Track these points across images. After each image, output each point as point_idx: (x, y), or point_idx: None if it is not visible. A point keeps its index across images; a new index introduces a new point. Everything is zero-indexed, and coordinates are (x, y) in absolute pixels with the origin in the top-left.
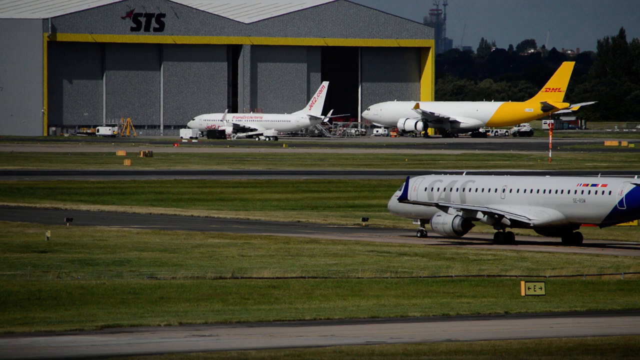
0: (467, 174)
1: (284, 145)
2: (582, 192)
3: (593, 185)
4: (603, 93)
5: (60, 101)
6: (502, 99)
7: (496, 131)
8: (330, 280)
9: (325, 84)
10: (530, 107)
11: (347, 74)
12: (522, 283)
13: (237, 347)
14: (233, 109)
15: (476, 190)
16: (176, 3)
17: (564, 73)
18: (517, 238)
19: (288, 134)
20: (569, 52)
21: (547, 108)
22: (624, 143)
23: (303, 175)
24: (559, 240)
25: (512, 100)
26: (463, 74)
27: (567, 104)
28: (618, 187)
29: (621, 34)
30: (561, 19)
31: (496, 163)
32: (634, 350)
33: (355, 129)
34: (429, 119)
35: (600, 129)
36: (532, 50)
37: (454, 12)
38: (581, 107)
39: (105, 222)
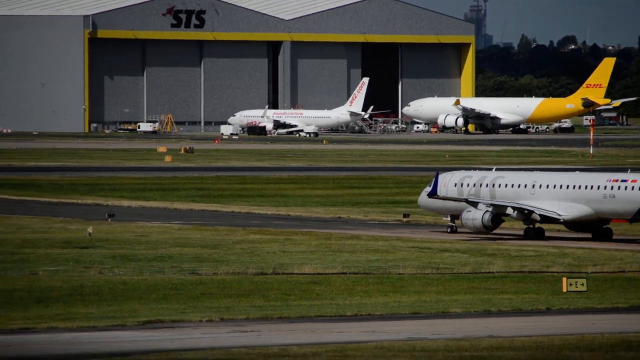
0: (497, 169)
1: (324, 141)
2: (612, 187)
3: (623, 180)
4: None
5: (101, 97)
6: (543, 95)
7: (537, 127)
8: (371, 276)
9: (366, 80)
10: (571, 103)
11: (387, 70)
12: (564, 279)
13: (278, 343)
14: (273, 105)
15: (506, 186)
16: (216, 0)
17: (605, 69)
18: (547, 234)
19: (328, 130)
20: (610, 48)
21: (588, 104)
22: None
23: (344, 172)
24: (589, 235)
25: (553, 96)
26: (503, 70)
27: (608, 100)
28: None
29: None
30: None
31: (537, 159)
32: None
33: (396, 125)
34: (469, 115)
35: None
36: (573, 46)
37: (495, 8)
38: (622, 103)
39: (146, 218)
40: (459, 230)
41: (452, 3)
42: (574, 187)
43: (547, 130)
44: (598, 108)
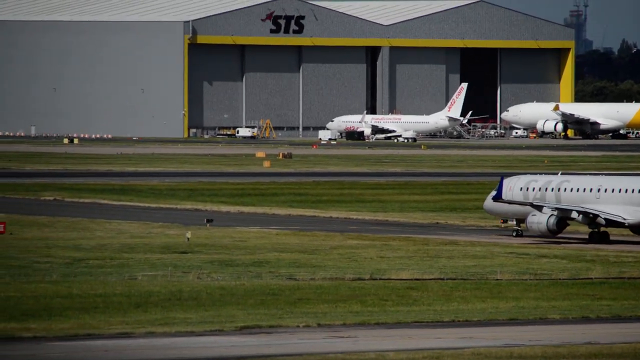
0: (563, 174)
1: (422, 146)
2: None
3: None
4: None
5: (200, 103)
6: None
7: (637, 133)
8: (468, 282)
9: (464, 85)
10: None
11: (485, 75)
12: None
13: (375, 349)
14: (371, 110)
15: (571, 190)
16: (315, 5)
17: None
18: (612, 237)
19: (426, 135)
20: None
21: None
22: None
23: (442, 177)
24: None
25: None
26: (603, 75)
27: None
28: None
29: None
30: None
31: (637, 165)
32: None
33: (494, 131)
34: (568, 120)
35: None
36: None
37: (595, 12)
38: None
39: (244, 223)
40: (524, 234)
41: (552, 8)
42: (639, 191)
43: None
44: None
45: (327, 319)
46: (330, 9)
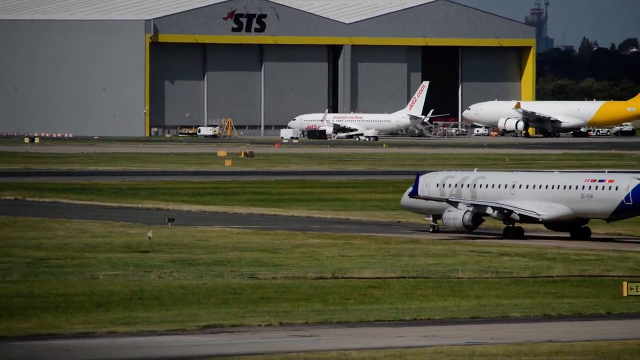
0: (478, 170)
1: (384, 145)
2: (590, 187)
3: (600, 180)
4: None
5: (162, 102)
6: (604, 99)
7: (598, 131)
8: (430, 281)
9: (426, 83)
10: (633, 106)
11: (447, 73)
12: (625, 283)
13: (337, 348)
14: (333, 109)
15: (486, 186)
16: (277, 4)
17: None
18: (526, 233)
19: (388, 133)
20: None
21: None
22: None
23: (404, 175)
24: (568, 235)
25: (614, 99)
26: (564, 73)
27: None
28: (624, 183)
29: None
30: None
31: (598, 163)
32: None
33: (456, 129)
34: (529, 118)
35: None
36: (635, 49)
37: (556, 11)
38: None
39: (206, 222)
40: (440, 229)
41: (513, 6)
42: (553, 187)
43: (608, 133)
44: None
45: (289, 317)
46: (291, 7)
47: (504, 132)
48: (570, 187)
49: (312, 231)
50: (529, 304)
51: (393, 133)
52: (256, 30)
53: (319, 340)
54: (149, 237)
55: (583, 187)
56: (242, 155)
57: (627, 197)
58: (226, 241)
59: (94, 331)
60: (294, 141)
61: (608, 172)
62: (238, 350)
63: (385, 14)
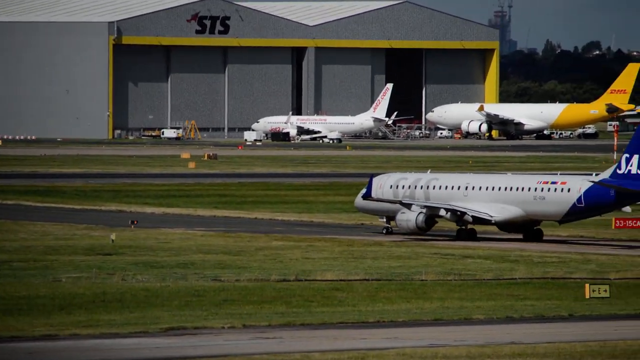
0: (432, 172)
1: (347, 147)
2: (542, 189)
3: (553, 183)
4: None
5: (125, 104)
6: (567, 101)
7: (561, 133)
8: (393, 283)
9: (390, 86)
10: (595, 109)
11: (411, 76)
12: (587, 285)
13: (300, 350)
14: (297, 111)
15: (440, 187)
16: (241, 6)
17: (629, 74)
18: (480, 234)
19: (352, 136)
20: (635, 53)
21: (612, 110)
22: None
23: (367, 178)
24: (520, 236)
25: (577, 102)
26: (528, 76)
27: (632, 106)
28: (576, 185)
29: None
30: (627, 20)
31: (561, 165)
32: None
33: (419, 131)
34: (493, 121)
35: None
36: (598, 52)
37: (519, 13)
38: None
39: (169, 225)
40: (394, 231)
41: (476, 9)
42: (506, 189)
43: (571, 136)
44: (622, 114)
45: (253, 320)
46: (255, 10)
47: (468, 135)
48: (522, 189)
49: (276, 233)
50: (491, 306)
51: (357, 135)
52: (220, 32)
53: (282, 342)
54: (112, 240)
55: (535, 189)
56: (206, 158)
57: (579, 200)
58: (189, 243)
59: (56, 334)
60: (258, 143)
61: (560, 174)
62: (201, 352)
63: (349, 16)
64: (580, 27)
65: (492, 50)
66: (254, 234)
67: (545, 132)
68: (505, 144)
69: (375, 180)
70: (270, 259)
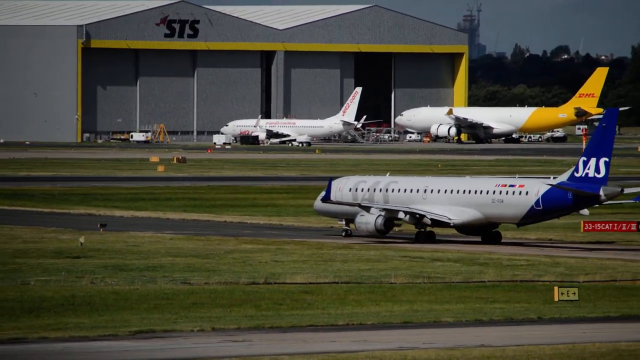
0: (390, 175)
1: (317, 151)
2: (501, 192)
3: (511, 185)
4: (637, 98)
5: (94, 107)
6: (536, 105)
7: (529, 137)
8: (363, 286)
9: (359, 89)
10: (564, 112)
11: (380, 79)
12: (555, 288)
13: (270, 353)
14: (266, 115)
15: (399, 190)
16: (210, 9)
17: (597, 78)
18: (439, 237)
19: (321, 139)
20: (603, 57)
21: (580, 113)
22: None
23: None
24: (479, 239)
25: (546, 105)
26: (496, 80)
27: (600, 110)
28: (534, 188)
29: None
30: (595, 25)
31: (529, 169)
32: None
33: (389, 135)
34: (462, 124)
35: (634, 134)
36: (566, 56)
37: (488, 17)
38: None
39: (138, 228)
40: (353, 234)
41: (446, 13)
42: (464, 192)
43: (540, 139)
44: (591, 117)
45: (222, 323)
46: (224, 14)
47: (437, 138)
48: (481, 191)
49: (245, 236)
50: (461, 309)
51: (326, 139)
52: (189, 36)
53: (252, 345)
54: (81, 243)
55: (494, 192)
56: (175, 161)
57: (537, 202)
58: (158, 247)
59: (25, 337)
60: (227, 147)
61: (519, 177)
62: (170, 355)
63: (319, 20)
64: (549, 31)
65: (461, 54)
66: (223, 237)
67: (514, 135)
68: (474, 147)
69: (334, 183)
70: (240, 262)
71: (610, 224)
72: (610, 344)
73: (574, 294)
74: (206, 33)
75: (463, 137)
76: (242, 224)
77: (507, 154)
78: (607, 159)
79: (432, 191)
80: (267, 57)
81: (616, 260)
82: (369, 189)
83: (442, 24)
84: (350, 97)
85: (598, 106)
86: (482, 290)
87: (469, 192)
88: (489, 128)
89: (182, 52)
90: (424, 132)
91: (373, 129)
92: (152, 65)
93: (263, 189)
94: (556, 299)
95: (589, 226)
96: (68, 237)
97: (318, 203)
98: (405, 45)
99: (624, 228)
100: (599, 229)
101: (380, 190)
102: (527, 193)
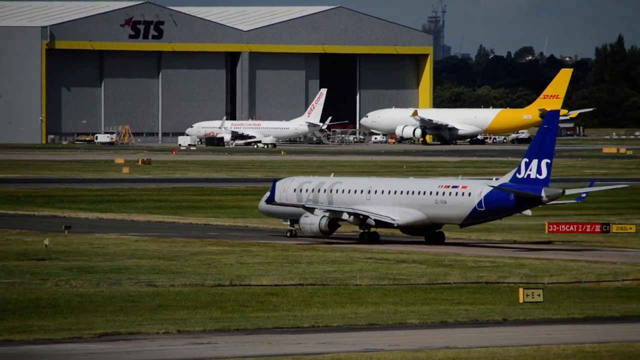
0: (335, 176)
1: (282, 152)
2: (444, 193)
3: (454, 187)
4: (601, 100)
5: (58, 109)
6: (501, 106)
7: (494, 138)
8: (328, 288)
9: (324, 91)
10: (529, 114)
11: (345, 81)
12: (521, 290)
13: (235, 355)
14: (231, 116)
15: (343, 191)
16: (175, 11)
17: (562, 80)
18: (383, 238)
19: (286, 141)
20: (567, 59)
21: (545, 115)
22: (622, 150)
23: None
24: (422, 239)
25: (510, 107)
26: (461, 81)
27: (565, 111)
28: (477, 189)
29: (619, 40)
30: (559, 26)
31: (494, 170)
32: (632, 357)
33: (354, 136)
34: (427, 126)
35: (599, 136)
36: (530, 57)
37: (453, 19)
38: (579, 114)
39: (103, 230)
40: (298, 234)
41: (410, 14)
42: (408, 192)
43: (505, 141)
44: None
45: (187, 325)
46: (189, 15)
47: (402, 140)
48: (424, 192)
49: (210, 238)
50: (426, 311)
51: (291, 140)
52: (154, 37)
53: (217, 347)
54: (46, 245)
55: (437, 193)
56: (140, 163)
57: (479, 204)
58: (123, 249)
59: None
60: (192, 148)
61: (462, 178)
62: (135, 357)
63: (284, 21)
64: (513, 33)
65: (425, 56)
66: (189, 239)
67: (479, 137)
68: (439, 149)
69: (278, 184)
70: (205, 264)
71: (575, 226)
72: (575, 346)
73: (539, 295)
74: (171, 34)
75: (428, 138)
76: (207, 226)
77: (472, 155)
78: (548, 161)
79: (375, 192)
80: (232, 58)
81: (580, 261)
82: (313, 190)
83: (407, 25)
84: (316, 99)
85: (562, 107)
86: (448, 291)
87: (413, 193)
88: (454, 129)
89: (147, 53)
90: (389, 133)
91: (338, 130)
92: (117, 67)
93: (228, 190)
94: (521, 300)
95: (553, 227)
96: (32, 239)
97: (262, 204)
98: (370, 47)
99: (588, 229)
100: (563, 230)
101: (325, 191)
102: (469, 194)
